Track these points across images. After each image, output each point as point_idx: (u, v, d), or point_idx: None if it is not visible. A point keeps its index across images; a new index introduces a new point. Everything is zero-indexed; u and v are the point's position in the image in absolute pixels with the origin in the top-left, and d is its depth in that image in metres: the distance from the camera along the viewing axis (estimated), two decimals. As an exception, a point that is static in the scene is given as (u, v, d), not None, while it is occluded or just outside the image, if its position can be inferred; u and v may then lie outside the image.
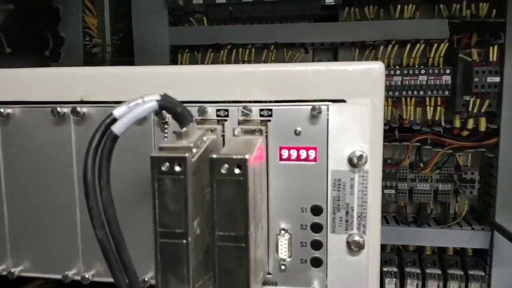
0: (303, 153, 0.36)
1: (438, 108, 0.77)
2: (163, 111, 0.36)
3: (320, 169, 0.36)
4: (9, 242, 0.41)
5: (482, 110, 0.75)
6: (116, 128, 0.27)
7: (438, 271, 0.81)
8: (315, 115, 0.34)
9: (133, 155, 0.37)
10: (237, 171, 0.28)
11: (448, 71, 0.76)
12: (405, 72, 0.77)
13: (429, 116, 0.78)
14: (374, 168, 0.35)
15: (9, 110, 0.39)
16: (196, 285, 0.30)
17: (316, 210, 0.36)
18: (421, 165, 0.81)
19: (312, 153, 0.36)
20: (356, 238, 0.35)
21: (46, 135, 0.38)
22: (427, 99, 0.77)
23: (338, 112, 0.35)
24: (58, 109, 0.37)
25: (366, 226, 0.36)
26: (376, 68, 0.34)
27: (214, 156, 0.28)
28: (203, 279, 0.31)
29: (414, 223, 0.83)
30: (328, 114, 0.35)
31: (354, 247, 0.35)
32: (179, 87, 0.33)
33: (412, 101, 0.78)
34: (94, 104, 0.38)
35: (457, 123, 0.78)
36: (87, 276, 0.39)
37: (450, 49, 0.77)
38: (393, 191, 0.82)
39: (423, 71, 0.76)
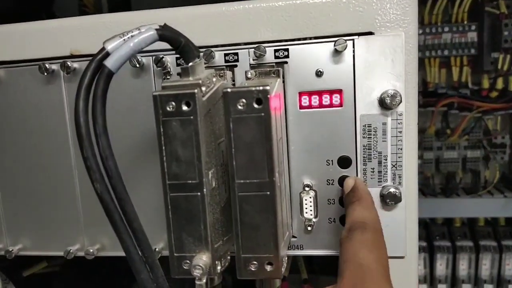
0: (326, 98, 0.31)
1: (464, 68, 0.73)
2: (164, 59, 0.32)
3: (346, 115, 0.31)
4: (4, 219, 0.37)
5: (513, 68, 0.70)
6: (110, 63, 0.23)
7: (470, 243, 0.77)
8: (339, 51, 0.30)
9: (131, 112, 0.33)
10: (256, 106, 0.23)
11: (473, 27, 0.71)
12: (427, 30, 0.72)
13: (455, 78, 0.73)
14: (409, 110, 0.31)
15: (-6, 72, 0.35)
16: (215, 246, 0.26)
17: (344, 162, 0.32)
18: (448, 131, 0.76)
19: (336, 98, 0.31)
20: (392, 190, 0.31)
21: (35, 96, 0.35)
22: (452, 59, 0.72)
23: (366, 47, 0.30)
24: (47, 65, 0.33)
25: (402, 177, 0.31)
26: (408, -8, 0.29)
27: (228, 89, 0.24)
28: (222, 240, 0.28)
29: (442, 194, 0.78)
30: (354, 50, 0.30)
31: (390, 201, 0.31)
32: (181, 31, 0.28)
33: (435, 62, 0.73)
34: (85, 57, 0.34)
35: (485, 84, 0.73)
36: (91, 250, 0.36)
37: (475, 3, 0.71)
38: (418, 161, 0.78)
39: (446, 29, 0.71)
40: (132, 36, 0.24)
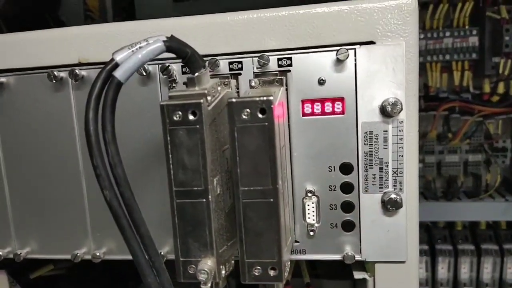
0: (328, 106, 0.32)
1: (466, 72, 0.73)
2: (170, 67, 0.32)
3: (348, 122, 0.32)
4: (12, 222, 0.38)
5: (514, 72, 0.71)
6: (119, 74, 0.24)
7: (471, 247, 0.77)
8: (341, 60, 0.31)
9: (138, 120, 0.34)
10: (260, 115, 0.24)
11: (474, 31, 0.72)
12: (429, 35, 0.72)
13: (456, 82, 0.74)
14: (410, 117, 0.31)
15: (2, 79, 0.36)
16: (219, 251, 0.27)
17: (346, 168, 0.32)
18: (450, 135, 0.76)
19: (338, 105, 0.32)
20: (393, 196, 0.31)
21: (44, 103, 0.35)
22: (454, 63, 0.73)
23: (367, 56, 0.31)
24: (55, 73, 0.34)
25: (403, 183, 0.32)
26: (408, 2, 0.30)
27: (233, 99, 0.24)
28: (226, 245, 0.28)
29: (443, 198, 0.78)
30: (355, 59, 0.31)
31: (391, 207, 0.32)
32: (186, 40, 0.29)
33: (437, 67, 0.73)
34: (93, 65, 0.34)
35: (487, 88, 0.74)
36: (98, 254, 0.36)
37: (476, 7, 0.72)
38: (420, 165, 0.78)
39: (447, 34, 0.72)
40: (140, 47, 0.24)
